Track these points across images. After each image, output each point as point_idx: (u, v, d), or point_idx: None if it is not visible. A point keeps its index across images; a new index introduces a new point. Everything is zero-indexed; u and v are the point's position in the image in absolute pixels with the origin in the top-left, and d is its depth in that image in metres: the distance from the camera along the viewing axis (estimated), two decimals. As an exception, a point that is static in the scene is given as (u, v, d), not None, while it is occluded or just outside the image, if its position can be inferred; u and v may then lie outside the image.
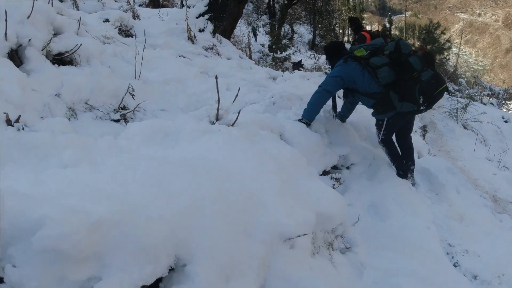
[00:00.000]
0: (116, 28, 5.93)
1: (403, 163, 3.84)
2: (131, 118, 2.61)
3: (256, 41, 22.82)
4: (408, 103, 3.30)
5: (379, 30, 13.03)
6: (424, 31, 14.93)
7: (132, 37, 5.97)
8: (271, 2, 27.46)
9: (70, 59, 2.84)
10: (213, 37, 8.15)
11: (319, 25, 35.61)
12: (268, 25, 27.39)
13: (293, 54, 17.05)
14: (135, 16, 9.24)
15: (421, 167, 4.19)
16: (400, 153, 3.84)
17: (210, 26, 8.26)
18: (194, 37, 6.50)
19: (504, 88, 15.68)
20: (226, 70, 4.76)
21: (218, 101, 2.26)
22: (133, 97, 2.65)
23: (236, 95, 2.35)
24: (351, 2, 56.98)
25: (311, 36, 34.48)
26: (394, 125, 3.73)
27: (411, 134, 4.02)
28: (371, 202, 3.26)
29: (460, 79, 16.66)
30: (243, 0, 8.92)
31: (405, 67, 3.21)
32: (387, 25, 22.58)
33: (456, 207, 3.64)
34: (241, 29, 20.87)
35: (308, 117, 3.51)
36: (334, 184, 2.96)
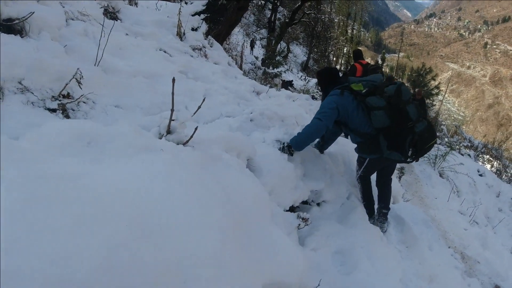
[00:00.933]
0: (102, 7, 5.47)
1: (372, 205, 3.66)
2: (73, 110, 2.15)
3: (252, 53, 22.59)
4: (396, 153, 3.09)
5: (369, 62, 12.94)
6: (415, 74, 15.03)
7: (117, 20, 5.52)
8: (272, 17, 27.50)
9: (20, 28, 2.39)
10: (205, 39, 7.75)
11: (315, 49, 35.90)
12: (265, 39, 27.34)
13: (285, 72, 16.80)
14: (133, 2, 8.79)
15: (396, 215, 3.87)
16: (377, 194, 3.67)
17: (204, 27, 7.87)
18: (184, 34, 6.08)
19: (484, 142, 15.95)
20: (209, 75, 4.36)
21: (172, 110, 1.83)
22: (79, 85, 2.20)
23: (199, 106, 1.92)
24: (349, 33, 58.13)
25: (305, 58, 34.64)
26: (376, 166, 3.60)
27: (391, 177, 3.78)
28: (338, 249, 2.89)
29: (442, 126, 16.82)
30: (243, 7, 8.61)
31: (401, 115, 2.99)
32: (380, 61, 22.79)
33: (427, 265, 3.31)
34: (237, 37, 20.63)
35: (296, 147, 3.21)
36: (299, 224, 2.58)
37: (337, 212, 3.37)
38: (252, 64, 18.98)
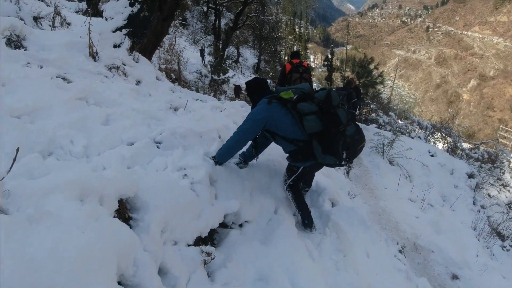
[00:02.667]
0: (4, 37, 4.91)
1: (309, 213, 3.54)
2: None
3: (204, 63, 22.09)
4: (331, 157, 3.09)
5: (351, 77, 12.62)
6: (358, 65, 15.23)
7: (20, 49, 4.97)
8: (217, 23, 27.24)
9: None
10: (130, 54, 7.28)
11: (265, 51, 36.01)
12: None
13: (232, 77, 16.50)
14: (65, 22, 8.05)
15: (333, 221, 3.61)
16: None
17: (127, 42, 7.40)
18: (96, 53, 5.59)
19: (432, 122, 16.37)
20: (115, 97, 3.93)
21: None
22: None
23: (14, 159, 1.50)
24: (297, 32, 59.00)
25: (256, 60, 34.61)
26: (308, 174, 3.67)
27: None
28: (259, 275, 2.56)
29: (390, 112, 17.14)
30: (168, 17, 8.20)
31: (333, 119, 3.02)
32: (329, 56, 23.13)
33: (364, 275, 3.05)
34: (184, 46, 20.05)
35: (219, 158, 3.27)
36: (205, 260, 2.24)
37: (262, 230, 3.05)
38: (198, 73, 18.54)
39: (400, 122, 16.50)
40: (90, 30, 5.46)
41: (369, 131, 10.50)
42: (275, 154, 3.88)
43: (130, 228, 1.96)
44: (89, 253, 1.35)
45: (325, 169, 5.26)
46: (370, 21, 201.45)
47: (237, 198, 2.96)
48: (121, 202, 2.00)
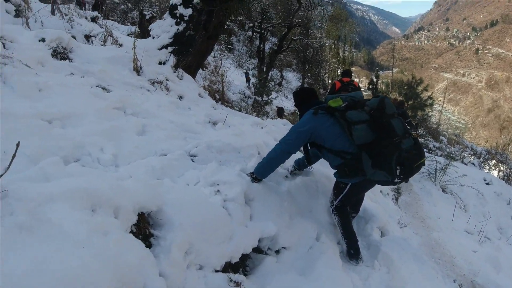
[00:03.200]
0: (50, 49, 5.05)
1: (356, 242, 3.11)
2: None
3: (249, 86, 22.25)
4: (382, 172, 2.70)
5: (400, 99, 11.82)
6: (406, 86, 14.49)
7: (65, 60, 5.08)
8: (261, 47, 27.62)
9: None
10: (174, 71, 7.33)
11: (308, 74, 35.84)
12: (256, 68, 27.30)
13: (275, 98, 16.37)
14: (117, 43, 8.21)
15: (383, 253, 3.15)
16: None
17: (172, 60, 7.47)
18: (140, 68, 5.60)
19: (486, 147, 15.11)
20: (153, 109, 3.80)
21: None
22: None
23: (14, 155, 1.28)
24: (341, 55, 58.50)
25: (299, 83, 34.51)
26: (357, 193, 3.21)
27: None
28: (297, 312, 2.20)
29: (441, 137, 16.07)
30: (213, 36, 8.23)
31: (386, 130, 2.67)
32: (374, 79, 22.47)
33: (421, 319, 2.58)
34: (228, 68, 20.36)
35: (258, 174, 2.99)
36: (233, 290, 1.91)
37: (302, 259, 2.68)
38: (241, 94, 18.64)
39: (452, 147, 15.41)
40: (135, 45, 5.49)
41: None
42: (319, 175, 3.52)
43: (150, 246, 1.69)
44: (81, 274, 1.08)
45: (373, 193, 4.79)
46: (417, 43, 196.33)
47: (275, 220, 2.63)
48: (142, 216, 1.75)
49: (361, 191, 3.33)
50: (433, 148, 13.37)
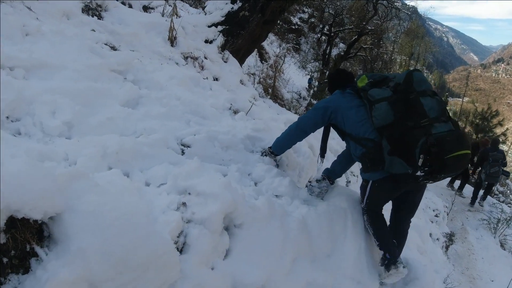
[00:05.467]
0: (82, 3, 4.52)
1: (391, 245, 2.47)
2: None
3: (310, 93, 21.17)
4: (400, 160, 2.12)
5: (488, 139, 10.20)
6: (479, 117, 12.57)
7: (94, 17, 4.52)
8: (327, 50, 26.43)
9: None
10: (219, 52, 6.61)
11: (372, 86, 33.78)
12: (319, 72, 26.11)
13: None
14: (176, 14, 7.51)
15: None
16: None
17: (220, 39, 6.75)
18: (175, 38, 4.89)
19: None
20: (163, 80, 3.04)
21: None
22: None
23: None
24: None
25: (360, 94, 32.68)
26: (382, 195, 2.49)
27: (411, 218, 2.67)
28: None
29: (508, 181, 13.93)
30: (270, 21, 7.38)
31: (412, 109, 2.14)
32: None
33: None
34: (290, 66, 19.42)
35: (275, 148, 2.75)
36: None
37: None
38: (297, 94, 17.69)
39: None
40: (175, 13, 4.80)
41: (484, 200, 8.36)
42: (353, 201, 2.56)
43: (28, 271, 0.92)
44: None
45: (421, 237, 3.71)
46: (493, 75, 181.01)
47: (265, 263, 1.72)
48: (23, 222, 0.97)
49: (387, 194, 2.52)
50: (496, 192, 11.51)
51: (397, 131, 2.14)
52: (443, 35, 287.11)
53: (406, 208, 2.58)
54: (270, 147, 2.77)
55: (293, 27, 31.73)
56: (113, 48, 3.28)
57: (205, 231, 1.53)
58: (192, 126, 2.61)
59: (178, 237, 1.48)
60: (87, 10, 4.53)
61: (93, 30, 3.84)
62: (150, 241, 1.29)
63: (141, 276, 1.26)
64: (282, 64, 15.79)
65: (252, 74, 7.82)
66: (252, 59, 12.96)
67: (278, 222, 1.98)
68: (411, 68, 2.30)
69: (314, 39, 34.09)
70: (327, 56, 26.42)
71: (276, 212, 2.02)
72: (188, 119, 2.73)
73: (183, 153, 2.30)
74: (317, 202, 2.50)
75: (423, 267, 2.64)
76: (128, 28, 4.49)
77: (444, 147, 2.03)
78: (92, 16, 4.47)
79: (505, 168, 7.99)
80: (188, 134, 2.41)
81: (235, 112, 3.33)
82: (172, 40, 4.85)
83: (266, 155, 2.78)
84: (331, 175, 2.82)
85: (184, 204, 1.60)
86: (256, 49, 13.34)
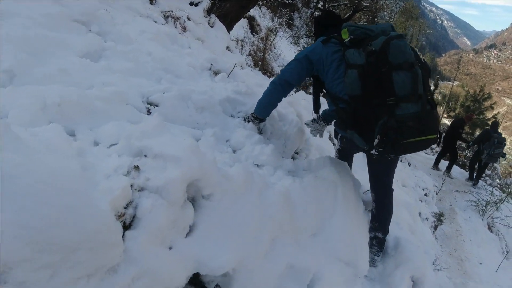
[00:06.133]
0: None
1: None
2: None
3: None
4: (357, 136, 2.09)
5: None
6: (470, 99, 12.38)
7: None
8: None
9: None
10: (205, 16, 6.16)
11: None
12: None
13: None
14: None
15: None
16: (372, 207, 2.45)
17: (206, 2, 6.30)
18: (156, -4, 4.45)
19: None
20: (133, 34, 2.65)
21: None
22: None
23: None
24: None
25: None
26: (348, 147, 2.69)
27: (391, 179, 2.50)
28: None
29: (496, 164, 13.99)
30: (261, -14, 6.90)
31: (380, 84, 1.93)
32: (433, 87, 20.26)
33: None
34: (281, 37, 18.77)
35: (258, 111, 2.53)
36: None
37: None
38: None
39: (504, 179, 13.40)
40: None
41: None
42: (341, 173, 2.29)
43: None
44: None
45: (411, 215, 3.50)
46: (485, 60, 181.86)
47: (238, 243, 1.44)
48: None
49: (351, 150, 2.73)
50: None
51: (361, 106, 2.03)
52: (437, 17, 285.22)
53: (382, 171, 2.44)
54: (253, 113, 2.55)
55: (287, 1, 30.94)
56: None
57: (162, 201, 1.23)
58: (163, 84, 2.27)
59: (125, 208, 1.18)
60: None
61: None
62: (82, 213, 0.98)
63: (68, 257, 0.96)
64: (274, 38, 15.23)
65: (240, 40, 7.34)
66: (243, 31, 12.43)
67: (256, 195, 1.68)
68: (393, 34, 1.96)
69: (308, 14, 33.28)
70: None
71: (254, 183, 1.73)
72: (159, 76, 2.39)
73: (149, 112, 1.97)
74: (303, 173, 2.22)
75: (416, 248, 2.41)
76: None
77: (403, 132, 1.94)
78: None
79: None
80: (156, 92, 2.07)
81: (216, 74, 2.98)
82: (152, -2, 4.41)
83: (248, 121, 2.55)
84: (327, 117, 2.59)
85: (136, 168, 1.28)
86: (247, 21, 12.76)
